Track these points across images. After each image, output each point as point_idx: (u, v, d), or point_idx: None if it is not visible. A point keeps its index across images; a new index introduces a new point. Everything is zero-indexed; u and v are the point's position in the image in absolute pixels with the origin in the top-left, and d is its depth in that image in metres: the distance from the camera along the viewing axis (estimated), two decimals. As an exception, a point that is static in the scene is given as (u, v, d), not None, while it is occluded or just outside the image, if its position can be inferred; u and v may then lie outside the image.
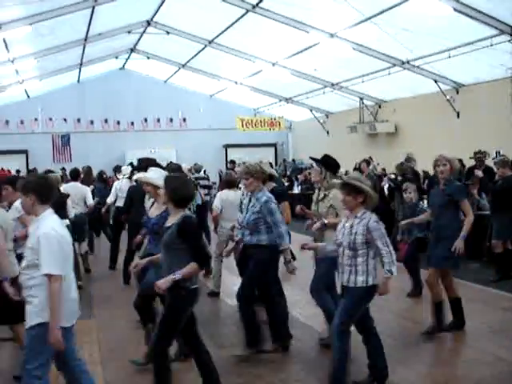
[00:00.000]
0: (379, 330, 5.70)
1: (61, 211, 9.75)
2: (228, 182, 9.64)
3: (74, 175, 11.72)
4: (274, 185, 7.92)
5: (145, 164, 9.81)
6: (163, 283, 4.94)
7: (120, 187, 11.63)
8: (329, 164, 6.73)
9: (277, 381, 5.88)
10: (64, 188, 10.48)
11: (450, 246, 6.79)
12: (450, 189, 6.99)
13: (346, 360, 5.33)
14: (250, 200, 6.70)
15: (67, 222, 9.57)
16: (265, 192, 6.63)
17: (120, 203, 11.11)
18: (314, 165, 6.75)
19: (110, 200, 11.95)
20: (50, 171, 12.32)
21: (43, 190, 4.63)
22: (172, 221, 5.14)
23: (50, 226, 4.49)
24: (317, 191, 6.78)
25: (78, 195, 10.73)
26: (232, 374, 5.95)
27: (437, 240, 7.05)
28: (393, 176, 14.34)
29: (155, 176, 6.63)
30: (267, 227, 6.48)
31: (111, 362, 6.52)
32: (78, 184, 11.34)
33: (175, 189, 5.16)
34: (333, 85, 22.94)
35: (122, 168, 13.58)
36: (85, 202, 11.06)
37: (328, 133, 27.62)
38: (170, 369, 5.17)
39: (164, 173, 6.79)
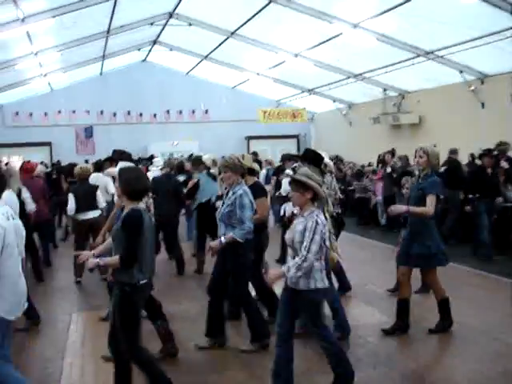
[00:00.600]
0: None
1: (93, 202, 9.94)
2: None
3: (98, 167, 11.88)
4: (256, 179, 7.81)
5: (117, 156, 9.96)
6: (90, 263, 5.01)
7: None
8: (312, 159, 6.56)
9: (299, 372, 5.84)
10: (90, 179, 10.66)
11: (428, 242, 6.70)
12: (424, 183, 6.81)
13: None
14: (227, 193, 6.65)
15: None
16: (242, 186, 6.57)
17: None
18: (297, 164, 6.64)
19: None
20: (73, 164, 12.50)
21: None
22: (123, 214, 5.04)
23: None
24: None
25: (102, 185, 10.85)
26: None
27: (412, 237, 6.85)
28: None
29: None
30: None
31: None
32: (100, 174, 11.47)
33: (128, 181, 5.01)
34: (356, 75, 22.77)
35: (154, 160, 13.70)
36: (107, 192, 11.20)
37: (351, 124, 27.45)
38: (153, 358, 5.21)
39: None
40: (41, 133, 28.45)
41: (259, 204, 7.07)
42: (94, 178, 10.96)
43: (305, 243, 4.93)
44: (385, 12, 16.00)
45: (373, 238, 14.78)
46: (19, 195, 9.03)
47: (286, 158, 11.98)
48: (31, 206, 9.65)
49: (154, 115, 30.15)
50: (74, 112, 28.77)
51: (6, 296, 4.50)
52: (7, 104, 28.35)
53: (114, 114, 29.59)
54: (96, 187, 10.21)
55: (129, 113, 29.84)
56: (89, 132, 26.72)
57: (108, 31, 21.03)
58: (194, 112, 30.65)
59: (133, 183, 4.97)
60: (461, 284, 9.03)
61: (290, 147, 29.54)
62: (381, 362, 6.08)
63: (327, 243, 5.15)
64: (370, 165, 20.74)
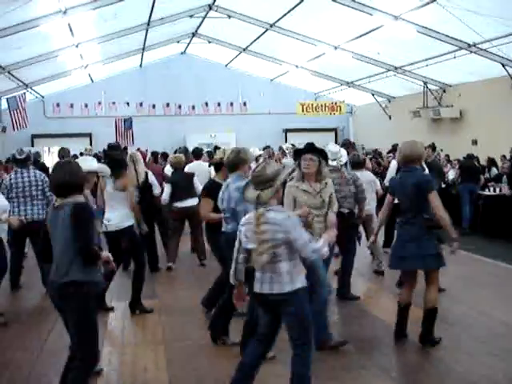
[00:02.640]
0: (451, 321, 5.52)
1: (191, 189, 10.16)
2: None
3: (197, 154, 12.18)
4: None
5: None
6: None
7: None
8: (325, 154, 6.32)
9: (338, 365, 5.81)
10: (189, 167, 10.99)
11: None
12: None
13: None
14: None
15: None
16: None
17: None
18: (311, 156, 6.34)
19: None
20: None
21: None
22: None
23: None
24: (306, 183, 6.24)
25: (203, 173, 11.02)
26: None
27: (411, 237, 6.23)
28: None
29: (87, 163, 6.83)
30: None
31: (174, 342, 6.58)
32: (201, 162, 11.76)
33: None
34: (396, 68, 22.52)
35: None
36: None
37: (390, 118, 27.19)
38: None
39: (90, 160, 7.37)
40: (81, 124, 28.88)
41: None
42: (196, 166, 11.24)
43: None
44: (427, 4, 15.74)
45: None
46: (147, 179, 9.56)
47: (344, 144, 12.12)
48: (158, 190, 9.97)
49: (193, 107, 30.28)
50: (113, 103, 29.06)
51: None
52: (49, 95, 28.80)
53: (153, 106, 29.81)
54: (192, 175, 10.35)
55: (168, 105, 30.04)
56: (128, 123, 26.91)
57: (148, 23, 21.17)
58: (232, 104, 30.69)
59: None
60: None
61: (329, 140, 29.30)
62: (421, 363, 6.02)
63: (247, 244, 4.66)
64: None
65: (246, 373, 4.72)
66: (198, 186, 9.97)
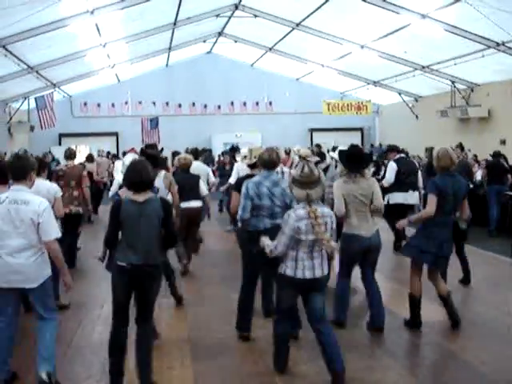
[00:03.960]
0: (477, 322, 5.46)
1: (196, 191, 10.19)
2: None
3: (196, 155, 12.13)
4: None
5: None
6: None
7: (242, 168, 11.98)
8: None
9: (363, 366, 5.77)
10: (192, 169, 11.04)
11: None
12: None
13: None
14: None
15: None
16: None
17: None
18: None
19: (232, 180, 12.33)
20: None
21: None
22: None
23: None
24: (351, 183, 6.54)
25: (202, 174, 11.05)
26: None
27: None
28: None
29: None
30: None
31: (199, 339, 6.60)
32: (200, 163, 11.75)
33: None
34: (423, 67, 22.34)
35: (242, 150, 13.87)
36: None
37: (417, 117, 26.98)
38: None
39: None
40: (108, 123, 29.16)
41: None
42: (196, 167, 11.24)
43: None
44: (455, 2, 15.60)
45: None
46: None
47: (389, 150, 12.06)
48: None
49: (218, 107, 30.39)
50: (140, 103, 29.28)
51: None
52: (76, 95, 29.11)
53: (180, 106, 29.98)
54: (198, 177, 10.33)
55: (193, 104, 30.17)
56: (154, 123, 27.05)
57: (174, 23, 21.28)
58: (257, 104, 30.72)
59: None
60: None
61: (354, 140, 29.21)
62: (446, 364, 5.96)
63: (306, 236, 5.13)
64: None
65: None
66: (203, 187, 10.13)
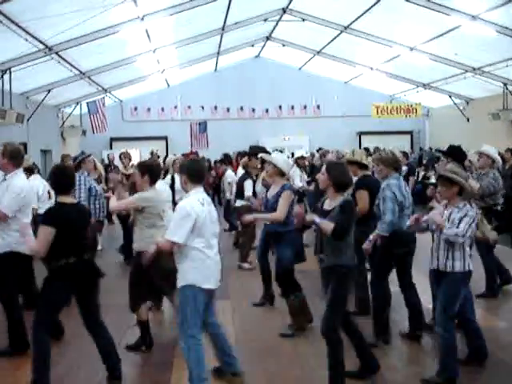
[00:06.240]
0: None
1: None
2: None
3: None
4: (367, 173, 7.73)
5: (254, 151, 11.11)
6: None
7: (293, 171, 12.28)
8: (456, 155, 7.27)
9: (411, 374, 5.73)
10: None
11: None
12: None
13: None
14: None
15: None
16: (389, 179, 6.71)
17: None
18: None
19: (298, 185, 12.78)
20: None
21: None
22: (332, 204, 5.38)
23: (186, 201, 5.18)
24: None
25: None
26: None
27: None
28: None
29: (281, 159, 7.29)
30: None
31: (245, 343, 6.64)
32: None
33: (336, 175, 5.41)
34: (474, 69, 21.93)
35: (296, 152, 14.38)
36: None
37: (468, 120, 26.49)
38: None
39: (286, 159, 7.60)
40: (158, 127, 29.53)
41: (358, 196, 7.16)
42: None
43: (462, 227, 5.30)
44: (507, 3, 15.29)
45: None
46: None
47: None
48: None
49: (266, 110, 30.45)
50: (189, 107, 29.63)
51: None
52: (127, 99, 29.60)
53: (228, 110, 30.17)
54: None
55: (241, 108, 30.30)
56: (203, 127, 27.26)
57: (223, 28, 21.44)
58: (305, 107, 30.66)
59: (339, 177, 5.44)
60: None
61: (404, 144, 28.95)
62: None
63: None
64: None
65: None
66: (247, 187, 10.81)
